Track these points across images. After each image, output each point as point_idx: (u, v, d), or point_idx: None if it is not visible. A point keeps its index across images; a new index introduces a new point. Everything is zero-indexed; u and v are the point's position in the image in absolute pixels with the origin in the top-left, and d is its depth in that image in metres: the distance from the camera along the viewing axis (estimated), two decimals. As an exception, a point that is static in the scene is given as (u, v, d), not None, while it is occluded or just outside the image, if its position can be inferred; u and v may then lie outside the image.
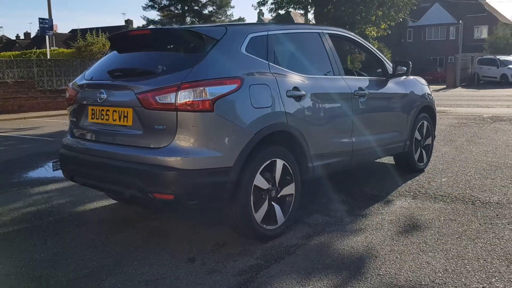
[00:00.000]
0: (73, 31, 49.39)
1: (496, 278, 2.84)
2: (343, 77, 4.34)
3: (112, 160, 3.36)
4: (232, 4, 48.87)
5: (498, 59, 29.90)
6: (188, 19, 46.93)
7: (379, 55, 5.05)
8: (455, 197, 4.52)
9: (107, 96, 3.41)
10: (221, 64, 3.33)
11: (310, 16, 17.88)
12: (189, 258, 3.28)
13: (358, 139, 4.42)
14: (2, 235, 3.84)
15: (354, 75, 5.13)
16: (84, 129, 3.73)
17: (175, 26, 5.32)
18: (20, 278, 3.04)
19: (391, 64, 5.07)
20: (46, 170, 6.54)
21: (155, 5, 46.31)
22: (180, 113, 3.09)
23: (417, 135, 5.48)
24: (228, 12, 48.79)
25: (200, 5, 46.82)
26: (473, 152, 6.77)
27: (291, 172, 3.67)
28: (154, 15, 67.78)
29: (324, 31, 4.40)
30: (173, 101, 3.08)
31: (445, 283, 2.78)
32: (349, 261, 3.16)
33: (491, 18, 47.69)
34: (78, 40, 17.47)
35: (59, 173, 6.29)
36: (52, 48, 20.25)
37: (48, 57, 17.82)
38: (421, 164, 5.68)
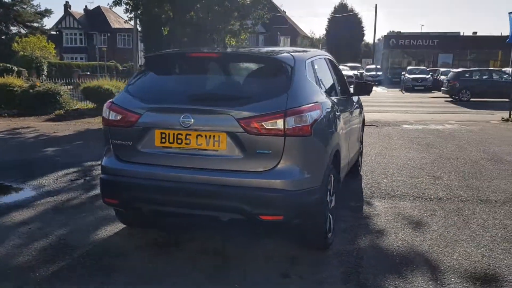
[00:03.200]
0: None
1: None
2: (341, 97, 4.92)
3: (205, 185, 3.29)
4: (38, -6, 44.43)
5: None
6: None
7: (344, 77, 5.76)
8: (413, 195, 5.48)
9: (194, 120, 3.31)
10: (305, 90, 3.56)
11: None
12: (281, 274, 3.44)
13: (349, 150, 5.06)
14: (42, 280, 3.31)
15: None
16: (148, 154, 3.48)
17: (244, 49, 4.75)
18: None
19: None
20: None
21: None
22: (288, 138, 3.25)
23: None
24: (35, 3, 44.24)
25: (-1, -8, 41.44)
26: (386, 156, 8.05)
27: (334, 184, 4.10)
28: None
29: (326, 56, 4.90)
30: (281, 126, 3.23)
31: None
32: (414, 255, 3.77)
33: (293, 30, 53.93)
34: None
35: (12, 197, 5.34)
36: None
37: None
38: (359, 168, 6.62)
